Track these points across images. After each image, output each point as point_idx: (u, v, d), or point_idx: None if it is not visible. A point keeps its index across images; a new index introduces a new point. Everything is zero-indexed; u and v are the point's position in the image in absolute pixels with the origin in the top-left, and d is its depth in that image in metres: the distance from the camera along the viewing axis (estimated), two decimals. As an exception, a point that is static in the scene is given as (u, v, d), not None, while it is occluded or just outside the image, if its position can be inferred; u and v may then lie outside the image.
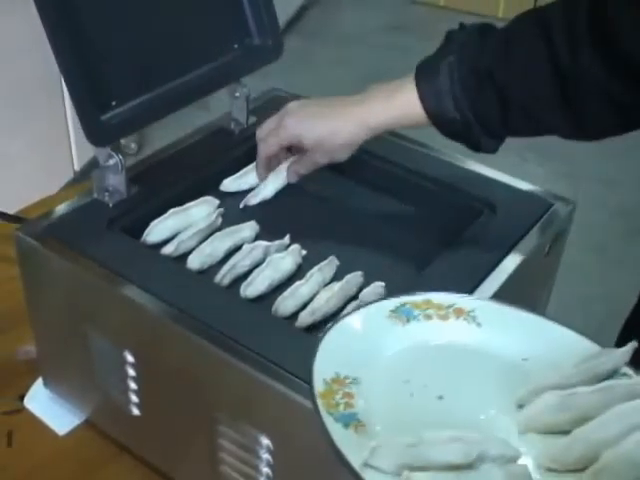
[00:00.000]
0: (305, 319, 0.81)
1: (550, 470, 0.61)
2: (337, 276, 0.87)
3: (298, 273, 0.87)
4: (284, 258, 0.87)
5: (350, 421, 0.62)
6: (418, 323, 0.73)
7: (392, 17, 4.15)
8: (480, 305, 0.75)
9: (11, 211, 1.20)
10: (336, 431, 0.60)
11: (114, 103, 0.90)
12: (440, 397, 0.66)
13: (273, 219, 0.96)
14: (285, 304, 0.82)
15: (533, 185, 0.99)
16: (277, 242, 0.90)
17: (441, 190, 0.99)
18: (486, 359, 0.71)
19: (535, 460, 0.61)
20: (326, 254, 0.88)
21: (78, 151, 2.57)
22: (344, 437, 0.60)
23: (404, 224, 0.99)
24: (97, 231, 0.88)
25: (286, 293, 0.83)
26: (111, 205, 0.92)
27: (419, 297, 0.75)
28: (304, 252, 0.90)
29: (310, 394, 0.64)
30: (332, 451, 0.59)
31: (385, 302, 0.74)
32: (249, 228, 0.92)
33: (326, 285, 0.85)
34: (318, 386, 0.64)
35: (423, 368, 0.70)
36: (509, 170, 1.00)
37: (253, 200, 0.99)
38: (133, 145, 2.86)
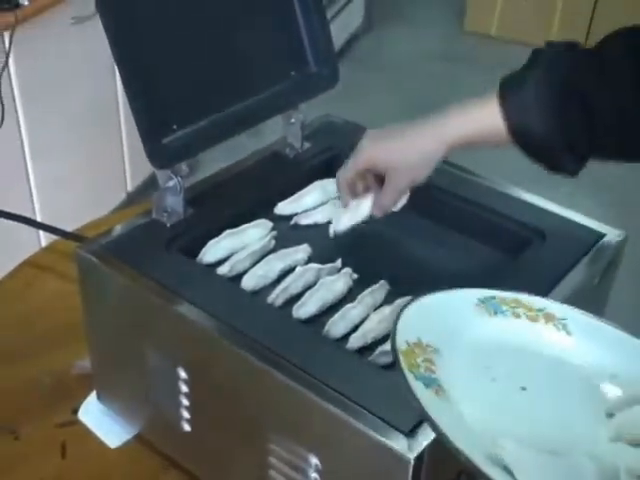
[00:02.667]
0: (356, 341, 0.82)
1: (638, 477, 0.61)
2: (387, 300, 0.88)
3: (349, 296, 0.89)
4: (336, 281, 0.88)
5: (431, 383, 0.63)
6: (505, 319, 0.74)
7: (443, 46, 4.17)
8: (572, 314, 0.76)
9: (70, 229, 1.23)
10: (416, 388, 0.61)
11: (175, 127, 0.93)
12: (523, 388, 0.67)
13: (325, 243, 0.98)
14: (336, 326, 0.83)
15: (584, 215, 1.00)
16: (329, 265, 0.92)
17: (492, 218, 0.99)
18: (573, 367, 0.72)
19: (626, 466, 0.61)
20: (377, 278, 0.89)
21: (132, 173, 2.61)
22: (425, 394, 0.61)
23: (455, 251, 0.99)
24: (155, 250, 0.91)
25: (337, 315, 0.84)
26: (169, 225, 0.94)
27: (508, 295, 0.76)
28: (355, 276, 0.91)
29: (391, 349, 0.64)
30: (413, 405, 0.60)
31: (473, 291, 0.75)
32: (302, 251, 0.94)
33: (376, 309, 0.86)
34: (400, 344, 0.65)
35: (507, 359, 0.71)
36: (560, 201, 1.01)
37: (304, 220, 1.00)
38: (185, 167, 2.89)
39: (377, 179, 0.94)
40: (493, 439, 0.59)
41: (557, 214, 0.99)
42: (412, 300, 0.71)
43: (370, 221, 0.96)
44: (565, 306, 0.77)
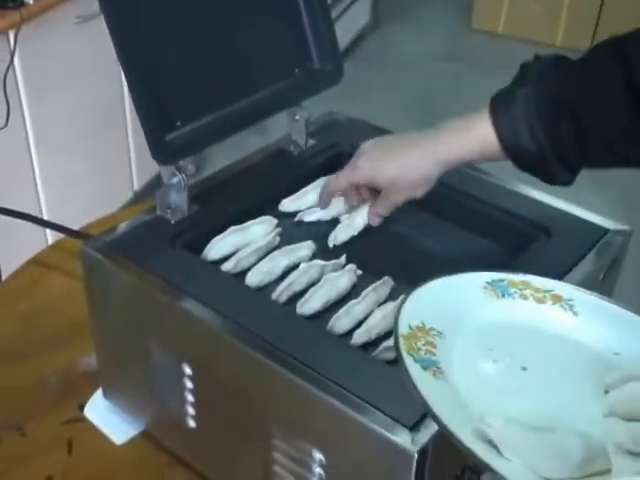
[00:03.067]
0: (360, 337, 0.82)
1: (630, 453, 0.62)
2: (391, 296, 0.88)
3: (353, 292, 0.89)
4: (340, 277, 0.89)
5: (429, 365, 0.65)
6: (513, 300, 0.76)
7: (449, 45, 4.17)
8: (579, 296, 0.77)
9: (76, 228, 1.23)
10: (414, 370, 0.63)
11: (179, 123, 0.93)
12: (524, 368, 0.69)
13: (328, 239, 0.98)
14: (340, 322, 0.84)
15: (589, 211, 1.00)
16: (333, 262, 0.92)
17: (496, 214, 1.00)
18: (577, 347, 0.73)
19: (616, 441, 0.62)
20: (381, 275, 0.90)
21: (138, 172, 2.62)
22: (421, 376, 0.63)
23: (459, 247, 0.99)
24: (160, 247, 0.91)
25: (341, 311, 0.84)
26: (173, 222, 0.95)
27: (517, 277, 0.78)
28: (359, 272, 0.91)
29: (394, 334, 0.67)
30: (410, 388, 0.62)
31: (482, 273, 0.77)
32: (306, 247, 0.94)
33: (380, 305, 0.87)
34: (402, 328, 0.67)
35: (511, 340, 0.72)
36: (564, 197, 1.01)
37: (309, 217, 1.01)
38: (191, 167, 2.89)
39: (371, 190, 0.96)
40: (481, 417, 0.60)
41: (562, 210, 0.99)
42: (419, 285, 0.73)
43: (385, 220, 0.99)
44: (573, 287, 0.79)
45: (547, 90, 0.82)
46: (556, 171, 0.84)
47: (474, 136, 0.85)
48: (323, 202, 1.00)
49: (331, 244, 0.97)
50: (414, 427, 0.69)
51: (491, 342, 0.71)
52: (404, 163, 0.90)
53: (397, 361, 0.72)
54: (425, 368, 0.65)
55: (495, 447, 0.59)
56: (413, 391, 0.62)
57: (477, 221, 1.00)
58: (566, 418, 0.64)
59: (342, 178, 0.96)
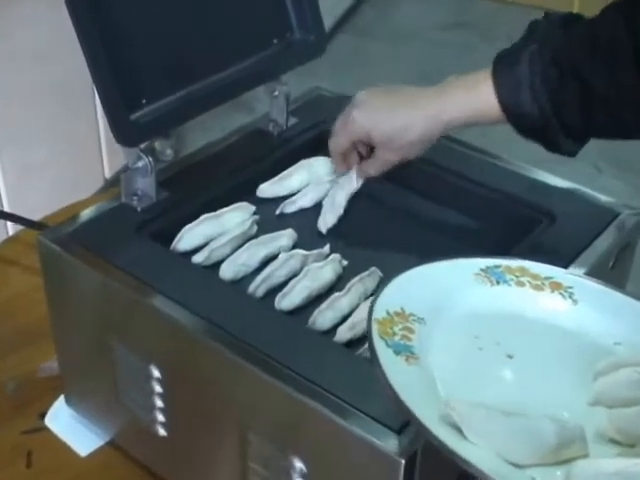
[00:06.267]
0: (344, 334, 0.83)
1: (613, 442, 0.63)
2: (380, 288, 0.88)
3: (338, 284, 0.89)
4: (323, 268, 0.89)
5: (402, 350, 0.67)
6: (508, 288, 0.77)
7: (454, 12, 4.16)
8: (580, 282, 0.79)
9: (38, 219, 1.24)
10: (384, 354, 0.65)
11: (144, 101, 0.93)
12: (509, 356, 0.71)
13: (312, 227, 0.99)
14: (323, 317, 0.84)
15: (599, 193, 1.00)
16: (316, 251, 0.92)
17: (497, 198, 1.00)
18: (575, 336, 0.74)
19: (598, 429, 0.64)
20: (369, 265, 0.90)
21: (109, 157, 2.62)
22: (391, 361, 0.65)
23: (455, 234, 1.00)
24: (124, 237, 0.92)
25: (324, 305, 0.84)
26: (140, 210, 0.95)
27: (514, 262, 0.79)
28: (345, 262, 0.92)
29: (367, 317, 0.69)
30: (376, 372, 0.64)
31: (477, 260, 0.79)
32: (286, 236, 0.95)
33: (367, 298, 0.87)
34: (378, 312, 0.70)
35: (500, 329, 0.74)
36: (582, 182, 1.01)
37: (290, 208, 1.01)
38: (169, 151, 2.90)
39: (366, 146, 0.98)
40: (447, 401, 0.62)
41: (568, 191, 1.00)
42: (404, 270, 0.75)
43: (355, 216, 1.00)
44: (574, 274, 0.81)
45: (553, 51, 0.83)
46: (558, 138, 0.85)
47: (477, 96, 0.87)
48: (340, 170, 1.01)
49: (324, 229, 0.98)
50: (402, 431, 0.69)
51: (478, 330, 0.73)
52: (405, 120, 0.91)
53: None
54: (398, 353, 0.66)
55: (460, 431, 0.61)
56: (379, 375, 0.64)
57: (474, 205, 1.01)
58: (546, 405, 0.65)
59: (341, 136, 0.97)
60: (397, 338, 0.68)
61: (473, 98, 0.87)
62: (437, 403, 0.63)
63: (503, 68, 0.86)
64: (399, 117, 0.92)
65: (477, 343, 0.72)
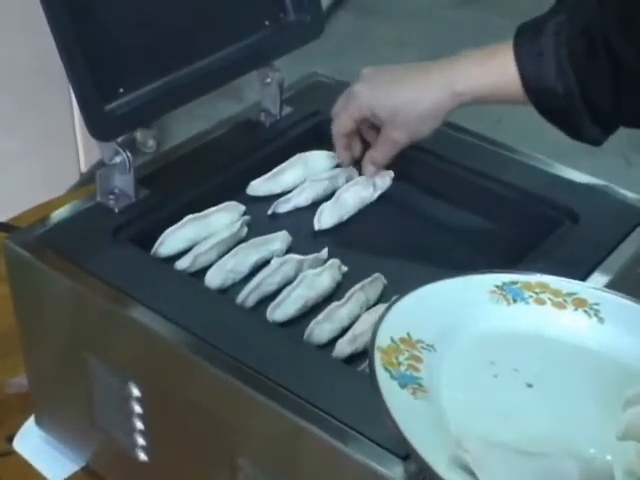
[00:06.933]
0: (344, 348, 0.82)
1: None
2: (383, 297, 0.88)
3: (337, 293, 0.89)
4: (320, 275, 0.89)
5: (409, 382, 0.66)
6: (527, 306, 0.77)
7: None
8: (607, 299, 0.78)
9: (6, 219, 1.23)
10: (388, 388, 0.64)
11: (121, 90, 0.93)
12: (529, 385, 0.70)
13: (308, 229, 0.98)
14: (320, 329, 0.84)
15: (628, 190, 1.00)
16: (312, 256, 0.92)
17: (512, 196, 1.00)
18: (601, 359, 0.74)
19: (627, 465, 0.63)
20: (371, 271, 0.90)
21: (86, 150, 2.62)
22: (396, 395, 0.64)
23: (469, 237, 0.99)
24: (100, 241, 0.91)
25: (321, 316, 0.84)
26: (117, 210, 0.94)
27: (533, 277, 0.79)
28: (345, 268, 0.91)
29: (369, 345, 0.68)
30: (380, 406, 0.63)
31: (492, 275, 0.78)
32: (280, 239, 0.94)
33: (370, 308, 0.87)
34: (381, 340, 0.68)
35: (518, 353, 0.73)
36: (610, 176, 1.01)
37: (284, 207, 1.01)
38: (151, 143, 2.90)
39: (374, 131, 0.98)
40: (459, 441, 0.61)
41: (593, 188, 1.00)
42: (409, 290, 0.74)
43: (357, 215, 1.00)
44: (600, 289, 0.80)
45: (583, 22, 0.82)
46: (583, 121, 0.84)
47: (494, 66, 0.86)
48: (342, 159, 1.02)
49: (317, 226, 0.98)
50: (408, 457, 0.69)
51: (494, 355, 0.72)
52: (411, 91, 0.91)
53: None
54: (404, 386, 0.65)
55: (473, 475, 0.60)
56: (383, 410, 0.63)
57: (489, 204, 1.00)
58: (570, 441, 0.65)
59: (343, 116, 0.97)
60: (403, 369, 0.67)
61: (491, 68, 0.86)
62: (447, 442, 0.62)
63: (527, 38, 0.85)
64: (406, 89, 0.92)
65: (492, 370, 0.71)
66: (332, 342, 0.83)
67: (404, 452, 0.69)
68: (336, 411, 0.73)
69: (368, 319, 0.84)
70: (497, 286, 0.78)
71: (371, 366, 0.66)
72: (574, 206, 0.96)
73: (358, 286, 0.87)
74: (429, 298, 0.74)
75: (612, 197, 0.99)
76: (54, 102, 2.49)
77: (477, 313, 0.75)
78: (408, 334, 0.70)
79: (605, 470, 0.61)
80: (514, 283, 0.78)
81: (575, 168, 1.03)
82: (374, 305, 0.87)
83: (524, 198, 0.99)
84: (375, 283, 0.89)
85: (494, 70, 0.86)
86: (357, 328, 0.84)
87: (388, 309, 0.71)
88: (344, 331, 0.84)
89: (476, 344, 0.73)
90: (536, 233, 0.94)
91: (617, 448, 0.64)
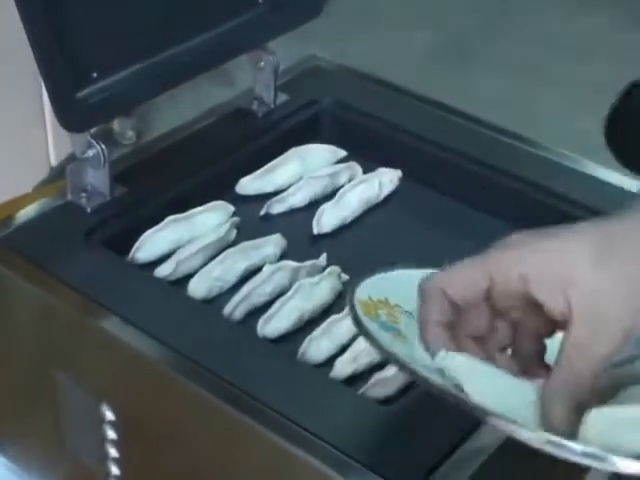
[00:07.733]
0: (344, 367, 0.82)
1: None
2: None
3: (336, 305, 0.89)
4: (317, 284, 0.89)
5: (389, 329, 0.71)
6: None
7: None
8: None
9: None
10: (371, 326, 0.69)
11: (95, 75, 0.93)
12: None
13: (305, 232, 0.98)
14: (317, 346, 0.84)
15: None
16: (309, 262, 0.92)
17: (541, 199, 1.01)
18: None
19: None
20: (375, 280, 0.90)
21: (56, 142, 2.62)
22: (379, 332, 0.69)
23: (483, 240, 0.99)
24: (71, 244, 0.91)
25: (318, 331, 0.84)
26: (90, 210, 0.95)
27: None
28: (345, 277, 0.92)
29: (348, 294, 0.72)
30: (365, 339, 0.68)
31: None
32: (272, 243, 0.94)
33: (373, 321, 0.87)
34: (360, 294, 0.72)
35: None
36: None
37: (277, 207, 1.01)
38: (130, 133, 2.90)
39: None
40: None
41: (619, 187, 1.00)
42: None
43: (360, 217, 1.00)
44: None
45: None
46: None
47: None
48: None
49: (316, 230, 0.98)
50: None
51: None
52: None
53: (393, 400, 0.77)
54: (386, 330, 0.70)
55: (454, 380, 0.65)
56: (368, 340, 0.68)
57: (513, 207, 1.01)
58: None
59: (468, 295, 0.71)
60: (383, 319, 0.71)
61: None
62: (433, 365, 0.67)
63: None
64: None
65: None
66: (330, 361, 0.84)
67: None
68: (334, 439, 0.73)
69: (371, 335, 0.85)
70: None
71: (351, 308, 0.70)
72: (596, 204, 0.96)
73: (360, 297, 0.87)
74: (416, 277, 0.73)
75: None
76: (20, 88, 2.49)
77: None
78: (386, 298, 0.73)
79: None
80: None
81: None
82: (378, 318, 0.87)
83: (550, 200, 1.00)
84: (379, 294, 0.89)
85: None
86: (357, 346, 0.84)
87: (367, 276, 0.75)
88: (344, 348, 0.84)
89: None
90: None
91: None
